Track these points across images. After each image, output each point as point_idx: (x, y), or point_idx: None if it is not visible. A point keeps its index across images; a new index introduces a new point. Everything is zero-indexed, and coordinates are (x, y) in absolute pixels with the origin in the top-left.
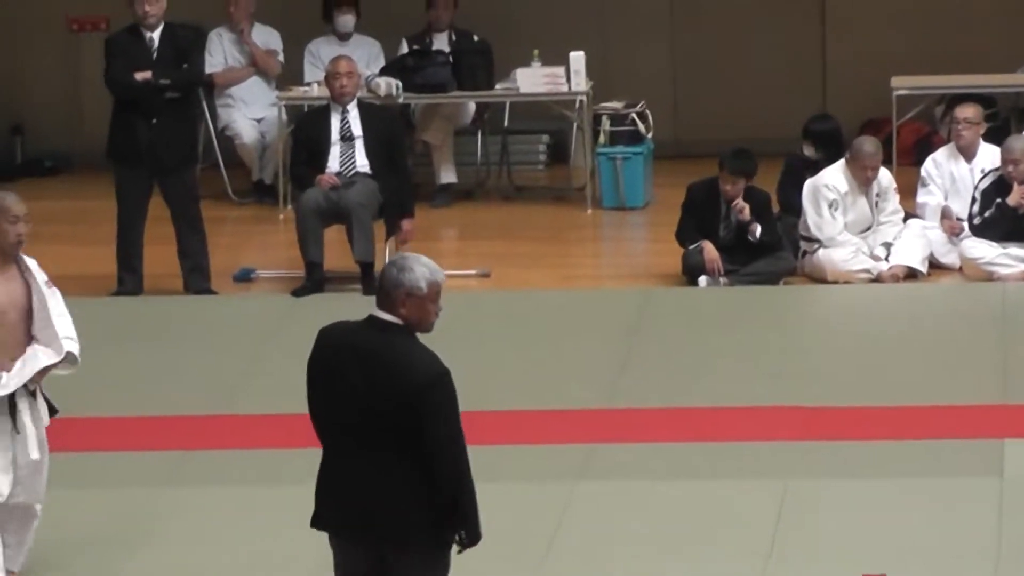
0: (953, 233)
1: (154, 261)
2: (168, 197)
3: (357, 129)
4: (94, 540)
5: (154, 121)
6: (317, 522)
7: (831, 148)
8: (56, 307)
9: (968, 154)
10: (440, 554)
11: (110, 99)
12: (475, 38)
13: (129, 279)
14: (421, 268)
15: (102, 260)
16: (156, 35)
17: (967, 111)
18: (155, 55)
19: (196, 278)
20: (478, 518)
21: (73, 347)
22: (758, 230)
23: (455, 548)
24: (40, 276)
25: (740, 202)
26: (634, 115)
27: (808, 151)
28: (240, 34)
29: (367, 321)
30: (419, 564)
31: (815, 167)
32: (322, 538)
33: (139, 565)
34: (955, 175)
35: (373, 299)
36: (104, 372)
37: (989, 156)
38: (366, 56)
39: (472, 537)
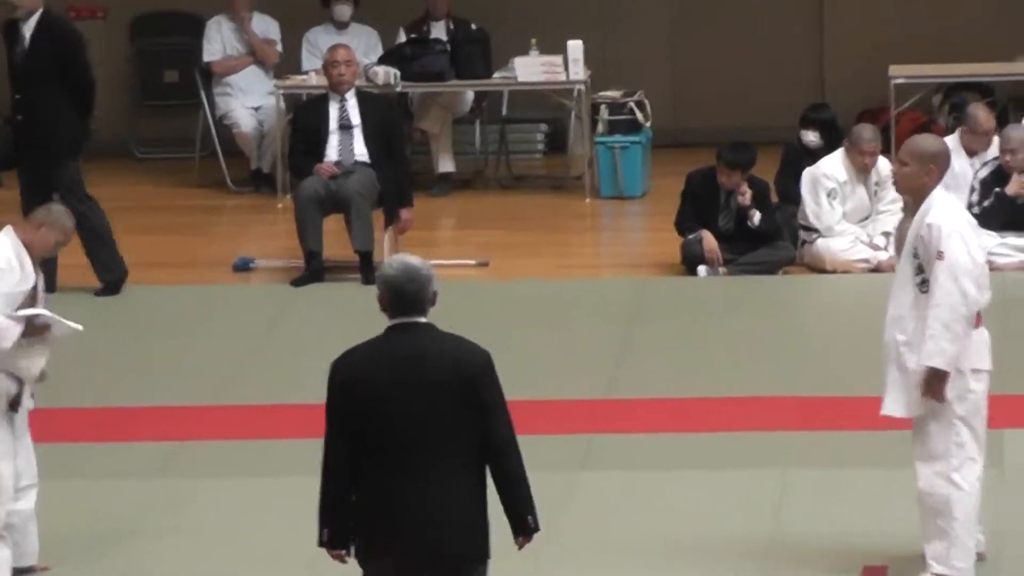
0: None
1: (145, 251)
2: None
3: (355, 118)
4: (89, 531)
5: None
6: (370, 553)
7: (832, 134)
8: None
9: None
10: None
11: (108, 88)
12: (473, 27)
13: None
14: (430, 270)
15: None
16: (29, 27)
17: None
18: (28, 47)
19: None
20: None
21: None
22: (757, 216)
23: (519, 539)
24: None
25: (743, 186)
26: (632, 104)
27: (811, 138)
28: (241, 23)
29: (394, 330)
30: (485, 573)
31: (814, 156)
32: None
33: (135, 556)
34: (955, 168)
35: (372, 288)
36: (101, 363)
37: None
38: (364, 45)
39: (536, 520)
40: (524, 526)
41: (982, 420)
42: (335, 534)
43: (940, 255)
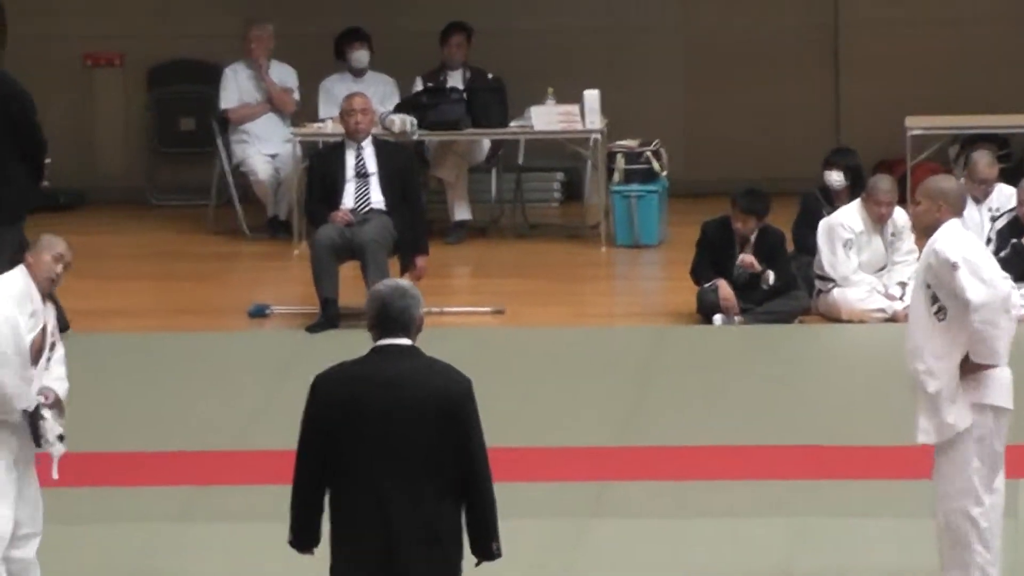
0: None
1: (161, 298)
2: None
3: (372, 166)
4: None
5: None
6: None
7: (856, 180)
8: (59, 353)
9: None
10: None
11: (124, 135)
12: (489, 75)
13: None
14: (419, 294)
15: (116, 296)
16: None
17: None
18: None
19: None
20: None
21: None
22: (771, 277)
23: (478, 563)
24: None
25: (747, 257)
26: (648, 153)
27: (835, 178)
28: (259, 70)
29: (378, 351)
30: None
31: (832, 205)
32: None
33: None
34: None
35: None
36: (119, 407)
37: (1002, 196)
38: (380, 93)
39: (500, 548)
40: (487, 553)
41: (1001, 458)
42: (302, 536)
43: (955, 266)
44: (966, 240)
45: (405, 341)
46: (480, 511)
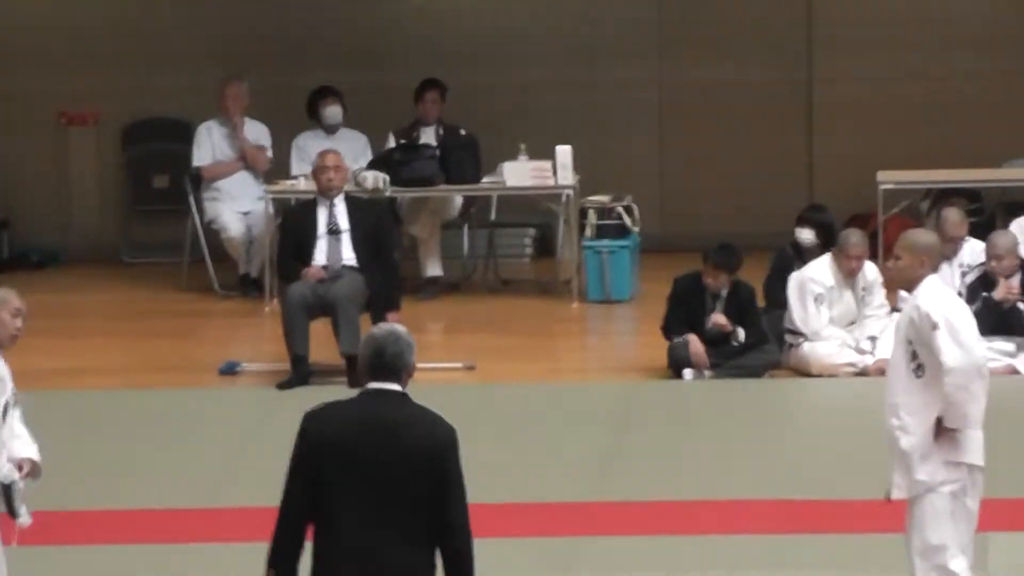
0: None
1: (133, 356)
2: None
3: (344, 223)
4: None
5: None
6: None
7: (828, 236)
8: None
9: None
10: None
11: (99, 193)
12: (462, 132)
13: None
14: (412, 339)
15: (89, 353)
16: None
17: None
18: None
19: None
20: None
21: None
22: (742, 334)
23: None
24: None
25: (718, 318)
26: (620, 209)
27: (806, 236)
28: (234, 128)
29: (369, 394)
30: None
31: (803, 259)
32: None
33: None
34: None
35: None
36: (89, 465)
37: (974, 252)
38: (353, 149)
39: None
40: None
41: (975, 516)
42: (281, 573)
43: (935, 326)
44: (949, 299)
45: (395, 387)
46: (457, 561)
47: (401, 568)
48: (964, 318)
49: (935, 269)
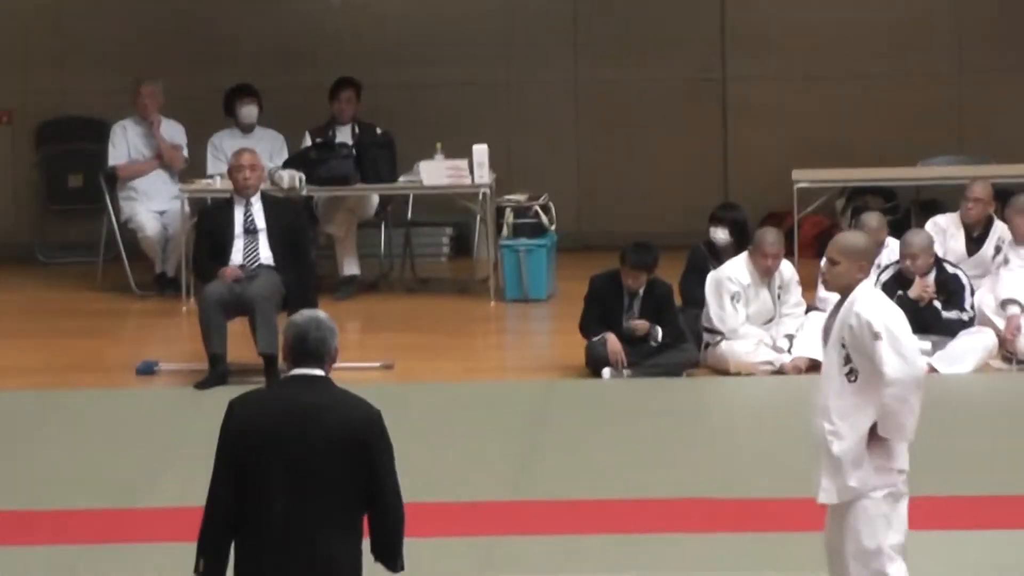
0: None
1: (49, 355)
2: None
3: (260, 222)
4: None
5: None
6: None
7: (742, 235)
8: None
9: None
10: None
11: (12, 192)
12: (378, 130)
13: None
14: (334, 325)
15: (4, 353)
16: None
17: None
18: None
19: None
20: None
21: None
22: (659, 334)
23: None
24: None
25: (636, 323)
26: (537, 207)
27: (720, 235)
28: (151, 127)
29: (293, 380)
30: None
31: (719, 258)
32: None
33: None
34: None
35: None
36: (4, 465)
37: (892, 252)
38: (269, 148)
39: (403, 563)
40: (393, 569)
41: (906, 518)
42: (209, 568)
43: (877, 335)
44: (887, 307)
45: (319, 372)
46: (386, 536)
47: (326, 555)
48: (904, 327)
49: (870, 271)
